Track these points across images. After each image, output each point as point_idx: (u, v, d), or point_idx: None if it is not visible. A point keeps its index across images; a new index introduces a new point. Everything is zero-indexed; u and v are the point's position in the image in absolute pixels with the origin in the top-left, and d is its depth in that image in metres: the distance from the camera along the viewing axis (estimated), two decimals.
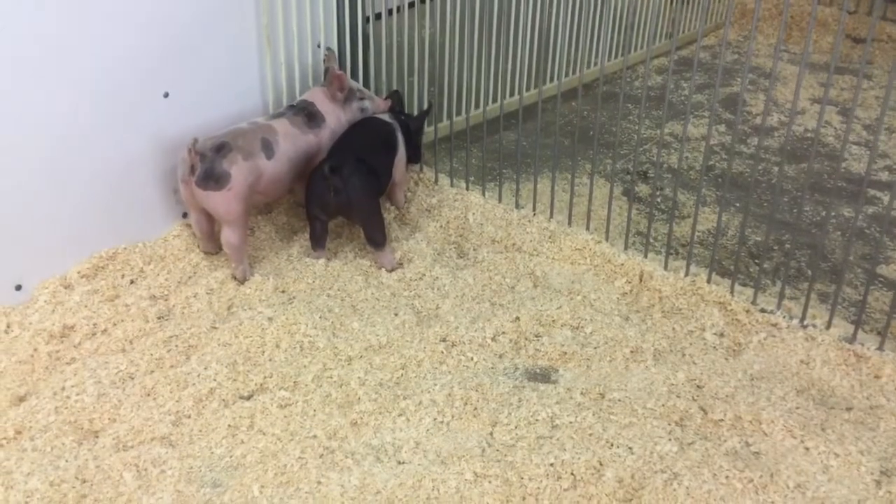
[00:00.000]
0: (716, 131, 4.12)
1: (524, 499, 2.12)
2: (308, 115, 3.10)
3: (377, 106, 3.27)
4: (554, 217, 3.28)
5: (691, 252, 3.02)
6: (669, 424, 2.38)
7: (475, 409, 2.38)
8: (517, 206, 3.36)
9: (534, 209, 3.33)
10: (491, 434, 2.31)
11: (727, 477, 2.21)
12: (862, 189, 2.68)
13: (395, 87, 3.56)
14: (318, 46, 3.32)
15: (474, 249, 3.13)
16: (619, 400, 2.45)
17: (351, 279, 2.93)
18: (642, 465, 2.23)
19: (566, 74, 4.26)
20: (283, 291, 2.87)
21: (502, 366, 2.57)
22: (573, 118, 4.12)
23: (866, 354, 2.63)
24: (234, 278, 2.91)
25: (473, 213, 3.30)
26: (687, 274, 2.97)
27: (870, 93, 4.56)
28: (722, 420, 2.40)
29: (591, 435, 2.32)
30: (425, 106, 3.54)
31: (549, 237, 3.17)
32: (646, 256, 3.07)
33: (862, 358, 2.63)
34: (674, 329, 2.76)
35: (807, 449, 2.32)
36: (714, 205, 3.51)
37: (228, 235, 2.86)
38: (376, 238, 2.98)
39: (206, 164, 2.77)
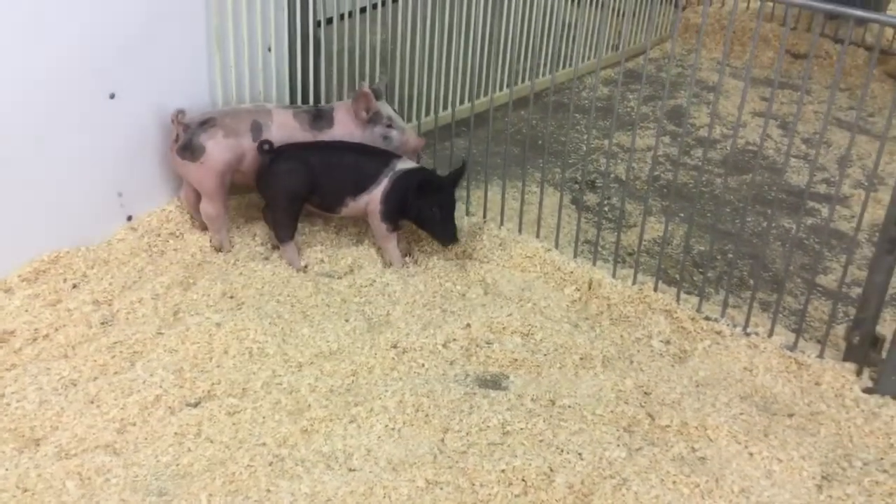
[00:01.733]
0: (661, 143, 4.20)
1: None
2: (316, 114, 3.13)
3: (406, 140, 3.17)
4: (504, 225, 3.30)
5: (638, 261, 3.07)
6: (618, 430, 2.41)
7: (427, 415, 2.38)
8: (467, 213, 3.37)
9: (484, 217, 3.35)
10: (442, 441, 2.31)
11: (674, 482, 2.24)
12: (802, 201, 2.76)
13: (348, 94, 3.55)
14: (269, 50, 3.28)
15: (425, 256, 3.13)
16: (569, 406, 2.47)
17: (301, 285, 2.90)
18: (592, 470, 2.25)
19: (517, 83, 4.30)
20: (231, 297, 2.83)
21: (453, 372, 2.58)
22: (523, 127, 4.15)
23: (807, 362, 2.70)
24: (212, 246, 3.03)
25: None
26: (634, 282, 3.02)
27: (808, 107, 4.69)
28: (669, 426, 2.44)
29: (541, 441, 2.34)
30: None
31: (500, 245, 3.19)
32: (594, 264, 3.11)
33: (803, 365, 2.70)
34: (622, 336, 2.80)
35: (750, 454, 2.36)
36: (660, 215, 3.57)
37: (205, 206, 2.98)
38: (278, 233, 3.01)
39: (188, 135, 2.90)
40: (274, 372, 2.51)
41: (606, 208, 3.60)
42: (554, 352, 2.70)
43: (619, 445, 2.34)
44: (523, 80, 4.40)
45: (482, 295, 2.93)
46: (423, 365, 2.58)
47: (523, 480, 2.19)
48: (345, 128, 3.12)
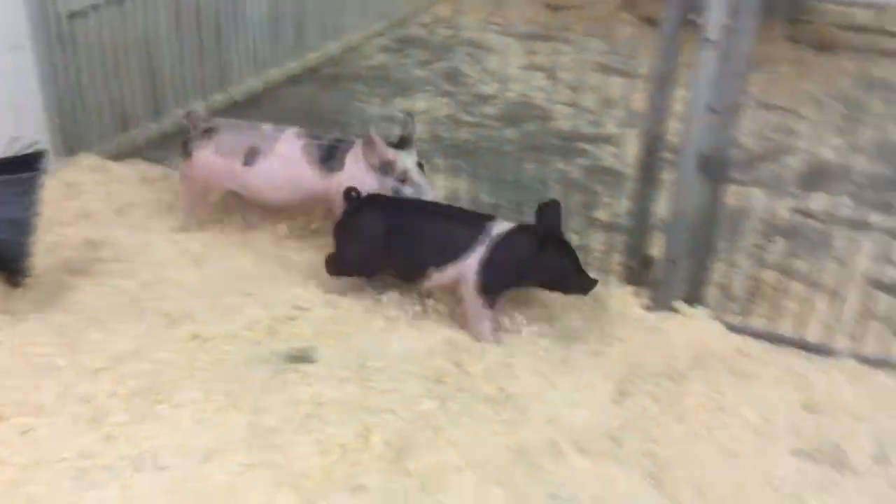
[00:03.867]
0: (440, 103, 4.30)
1: (296, 479, 2.12)
2: (329, 152, 2.86)
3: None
4: None
5: None
6: (429, 383, 2.47)
7: (236, 400, 2.34)
8: None
9: None
10: (255, 422, 2.28)
11: (486, 421, 2.34)
12: (573, 144, 2.92)
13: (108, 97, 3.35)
14: (15, 49, 3.05)
15: (216, 240, 3.06)
16: (380, 368, 2.51)
17: (83, 290, 2.75)
18: (407, 424, 2.30)
19: (294, 59, 4.25)
20: (8, 313, 2.63)
21: (260, 353, 2.54)
22: (301, 103, 4.12)
23: (594, 291, 2.87)
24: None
25: None
26: None
27: (570, 56, 4.93)
28: (477, 372, 2.53)
29: (355, 406, 2.36)
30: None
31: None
32: None
33: (591, 294, 2.87)
34: (420, 294, 2.85)
35: (553, 385, 2.50)
36: (447, 172, 3.66)
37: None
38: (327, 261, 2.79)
39: (189, 136, 2.97)
40: (67, 383, 2.38)
41: None
42: (360, 318, 2.72)
43: (431, 397, 2.41)
44: (299, 57, 4.36)
45: (280, 271, 2.91)
46: (227, 351, 2.53)
47: (340, 446, 2.21)
48: (355, 173, 2.80)
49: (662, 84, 2.60)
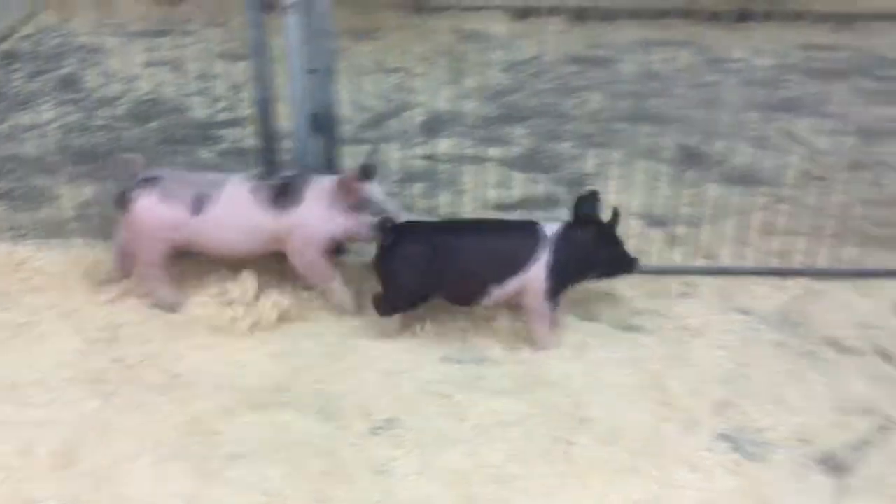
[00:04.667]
0: (61, 112, 4.12)
1: None
2: (280, 190, 2.57)
3: None
4: None
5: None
6: (90, 384, 2.44)
7: None
8: None
9: None
10: None
11: (155, 405, 2.37)
12: (209, 132, 2.96)
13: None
14: None
15: None
16: (34, 381, 2.44)
17: None
18: (72, 429, 2.27)
19: None
20: None
21: None
22: None
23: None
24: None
25: None
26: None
27: (195, 47, 4.90)
28: (138, 363, 2.54)
29: (12, 424, 2.27)
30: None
31: None
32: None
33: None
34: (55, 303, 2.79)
35: (218, 356, 2.57)
36: (83, 179, 3.51)
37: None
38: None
39: (124, 186, 2.66)
40: None
41: (19, 190, 3.47)
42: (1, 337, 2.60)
43: (93, 397, 2.39)
44: None
45: None
46: None
47: (1, 467, 2.12)
48: (316, 212, 2.60)
49: (260, 54, 2.73)
